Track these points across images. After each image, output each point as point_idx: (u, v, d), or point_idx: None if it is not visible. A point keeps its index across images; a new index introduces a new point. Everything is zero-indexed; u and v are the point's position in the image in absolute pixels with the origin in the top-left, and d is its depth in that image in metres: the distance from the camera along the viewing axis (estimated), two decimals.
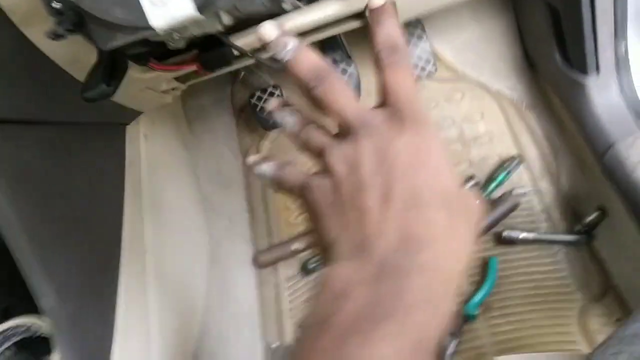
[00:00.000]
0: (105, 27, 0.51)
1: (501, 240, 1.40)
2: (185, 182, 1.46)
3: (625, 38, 1.13)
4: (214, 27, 0.62)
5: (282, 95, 1.51)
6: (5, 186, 0.74)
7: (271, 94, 1.50)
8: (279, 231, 1.58)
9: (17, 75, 0.77)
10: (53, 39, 0.54)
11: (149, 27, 0.49)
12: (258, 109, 1.50)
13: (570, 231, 1.38)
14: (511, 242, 1.39)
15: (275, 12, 0.83)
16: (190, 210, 1.43)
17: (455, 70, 1.60)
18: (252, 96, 1.51)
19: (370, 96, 1.57)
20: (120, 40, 0.52)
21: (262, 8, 0.58)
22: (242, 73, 1.67)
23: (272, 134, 1.64)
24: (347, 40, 1.51)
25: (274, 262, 1.55)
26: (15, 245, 0.75)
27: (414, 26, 1.46)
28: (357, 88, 1.46)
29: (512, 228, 1.39)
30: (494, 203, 1.43)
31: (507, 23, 1.55)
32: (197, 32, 0.63)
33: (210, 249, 1.42)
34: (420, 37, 1.47)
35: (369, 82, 1.59)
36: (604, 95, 1.18)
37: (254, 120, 1.59)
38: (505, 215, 1.41)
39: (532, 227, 1.42)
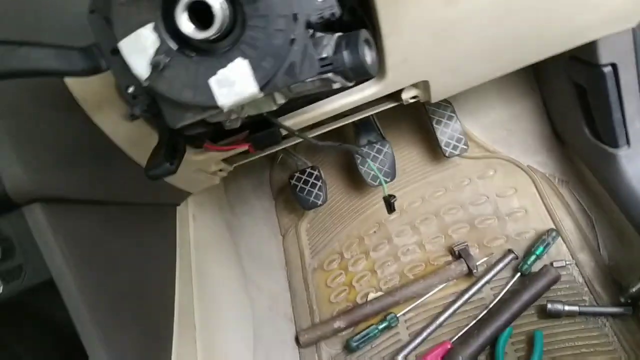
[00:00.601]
0: (176, 107, 0.57)
1: (545, 314, 1.38)
2: (229, 261, 1.50)
3: None
4: (269, 107, 0.68)
5: (321, 175, 1.57)
6: (68, 261, 0.79)
7: (310, 175, 1.57)
8: (320, 310, 1.59)
9: (82, 159, 0.85)
10: (131, 119, 0.61)
11: (216, 106, 0.55)
12: (298, 189, 1.56)
13: (614, 303, 1.36)
14: (556, 315, 1.37)
15: (323, 92, 0.90)
16: (235, 289, 1.46)
17: (487, 148, 1.65)
18: (291, 177, 1.58)
19: (405, 174, 1.62)
20: (189, 119, 0.58)
21: (312, 87, 0.64)
22: (281, 156, 1.75)
23: (311, 213, 1.69)
24: (381, 122, 1.58)
25: (316, 341, 1.56)
26: (77, 316, 0.79)
27: (445, 108, 1.53)
28: (392, 167, 1.52)
29: (555, 301, 1.37)
30: (534, 277, 1.43)
31: (533, 101, 1.61)
32: (252, 112, 0.69)
33: (253, 327, 1.43)
34: (451, 118, 1.53)
35: (403, 160, 1.64)
36: (636, 166, 1.21)
37: (293, 201, 1.65)
38: (546, 288, 1.41)
39: (575, 300, 1.40)
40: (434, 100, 1.07)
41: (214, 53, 0.54)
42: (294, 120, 0.93)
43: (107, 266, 0.89)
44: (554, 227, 1.50)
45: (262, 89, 0.54)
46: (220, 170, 1.15)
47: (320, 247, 1.68)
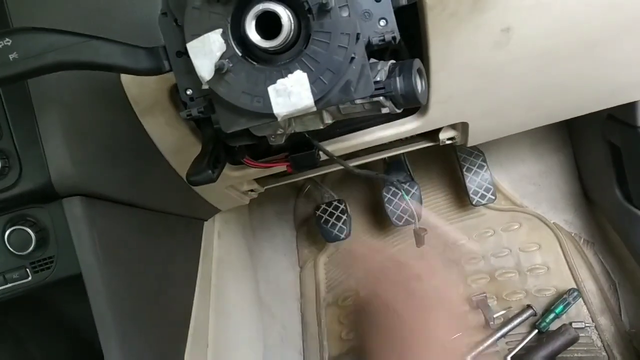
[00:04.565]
0: (231, 112, 0.59)
1: None
2: (247, 285, 1.50)
3: None
4: (316, 125, 0.70)
5: (346, 209, 1.57)
6: (98, 258, 0.80)
7: (336, 208, 1.57)
8: (330, 346, 1.57)
9: (126, 160, 0.87)
10: (187, 119, 0.63)
11: (271, 115, 0.56)
12: (322, 221, 1.56)
13: None
14: None
15: (371, 116, 0.92)
16: (250, 313, 1.46)
17: (514, 201, 1.65)
18: (317, 208, 1.59)
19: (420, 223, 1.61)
20: (242, 125, 0.60)
21: (362, 110, 0.65)
22: (308, 187, 1.76)
23: (331, 248, 1.69)
24: (411, 163, 1.59)
25: None
26: (99, 314, 0.80)
27: (477, 156, 1.54)
28: (418, 210, 1.52)
29: None
30: (551, 335, 1.40)
31: (565, 158, 1.61)
32: (299, 128, 0.71)
33: (264, 354, 1.42)
34: (481, 167, 1.54)
35: (429, 204, 1.65)
36: None
37: (314, 233, 1.66)
38: (563, 348, 1.38)
39: None
40: (470, 144, 1.08)
41: (274, 63, 0.56)
42: (332, 147, 0.94)
43: (133, 269, 0.90)
44: (575, 287, 1.48)
45: (316, 102, 0.56)
46: (252, 190, 1.17)
47: (337, 282, 1.67)
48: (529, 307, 1.48)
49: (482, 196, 1.54)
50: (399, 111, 0.65)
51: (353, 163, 1.14)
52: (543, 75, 0.86)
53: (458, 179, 1.63)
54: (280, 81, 0.55)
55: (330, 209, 1.58)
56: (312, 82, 0.55)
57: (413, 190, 1.52)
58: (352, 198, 1.74)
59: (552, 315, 1.43)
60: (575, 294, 1.45)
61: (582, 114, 1.03)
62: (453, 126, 1.03)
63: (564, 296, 1.45)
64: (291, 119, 0.70)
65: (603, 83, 0.93)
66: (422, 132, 0.99)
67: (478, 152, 1.55)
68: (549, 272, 1.53)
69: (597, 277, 1.49)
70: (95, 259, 0.79)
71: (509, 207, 1.64)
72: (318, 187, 1.74)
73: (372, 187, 1.73)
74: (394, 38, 0.57)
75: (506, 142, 1.61)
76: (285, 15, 0.53)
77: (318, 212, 1.58)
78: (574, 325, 1.42)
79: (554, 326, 1.43)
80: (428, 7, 0.72)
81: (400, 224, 1.51)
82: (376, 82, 0.59)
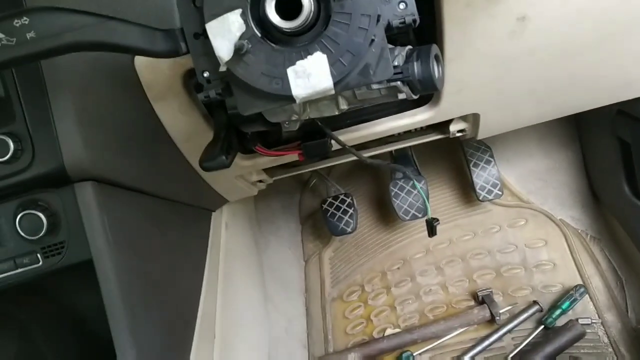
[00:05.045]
0: (249, 93, 0.58)
1: None
2: (253, 277, 1.50)
3: None
4: (331, 111, 0.69)
5: (353, 203, 1.57)
6: (109, 244, 0.79)
7: (342, 201, 1.57)
8: (335, 340, 1.57)
9: (138, 147, 0.87)
10: (205, 101, 0.62)
11: (289, 97, 0.56)
12: (329, 214, 1.56)
13: None
14: None
15: (383, 106, 0.91)
16: (255, 305, 1.45)
17: (520, 197, 1.64)
18: (324, 202, 1.58)
19: (435, 214, 1.61)
20: (259, 107, 0.59)
21: (378, 95, 0.65)
22: (314, 181, 1.76)
23: (336, 242, 1.69)
24: (418, 158, 1.59)
25: None
26: (109, 300, 0.79)
27: (484, 152, 1.54)
28: (425, 205, 1.52)
29: (578, 359, 1.34)
30: (557, 331, 1.40)
31: (573, 155, 1.61)
32: (314, 114, 0.71)
33: (269, 347, 1.42)
34: (488, 162, 1.53)
35: (435, 199, 1.64)
36: None
37: (320, 227, 1.65)
38: (570, 344, 1.38)
39: (598, 359, 1.37)
40: (480, 136, 1.08)
41: (294, 45, 0.55)
42: (343, 137, 0.94)
43: (143, 256, 0.89)
44: (582, 283, 1.47)
45: (335, 85, 0.55)
46: (260, 181, 1.17)
47: (342, 277, 1.67)
48: (535, 303, 1.47)
49: (489, 192, 1.53)
50: (415, 97, 0.65)
51: (362, 154, 1.13)
52: (557, 66, 0.86)
53: (465, 174, 1.62)
54: (299, 62, 0.55)
55: (337, 203, 1.57)
56: (332, 64, 0.54)
57: (420, 185, 1.52)
58: (359, 192, 1.74)
59: (558, 311, 1.43)
60: (582, 290, 1.45)
61: (594, 107, 1.03)
62: (464, 118, 1.02)
63: (571, 292, 1.45)
64: (306, 104, 0.70)
65: (616, 75, 0.93)
66: (434, 123, 0.99)
67: (485, 147, 1.54)
68: (556, 269, 1.53)
69: (603, 274, 1.49)
70: (106, 245, 0.79)
71: (516, 202, 1.64)
72: (324, 181, 1.74)
73: (378, 181, 1.73)
74: (414, 21, 0.56)
75: (513, 138, 1.61)
76: None
77: (325, 206, 1.58)
78: (580, 321, 1.42)
79: (560, 322, 1.43)
80: None
81: (407, 218, 1.50)
82: (394, 67, 0.59)
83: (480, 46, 0.80)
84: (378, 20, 0.54)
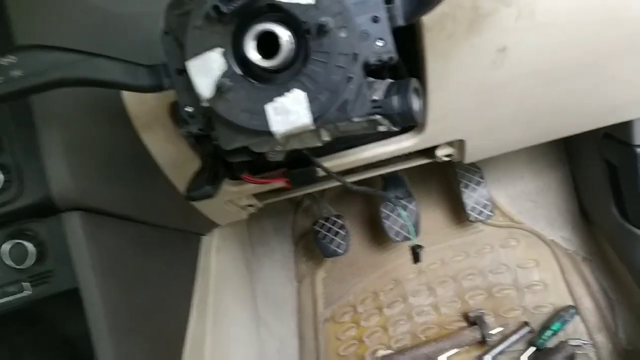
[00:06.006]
0: (230, 129, 0.59)
1: None
2: (244, 299, 1.50)
3: None
4: (314, 142, 0.70)
5: (344, 224, 1.58)
6: (95, 273, 0.80)
7: (334, 223, 1.58)
8: None
9: (125, 175, 0.88)
10: (186, 136, 0.63)
11: (269, 132, 0.57)
12: (320, 236, 1.56)
13: None
14: None
15: (368, 134, 0.93)
16: (247, 327, 1.45)
17: (511, 218, 1.65)
18: (315, 223, 1.59)
19: (427, 234, 1.62)
20: (240, 142, 0.60)
21: (359, 128, 0.66)
22: (306, 202, 1.77)
23: (329, 263, 1.69)
24: (409, 179, 1.60)
25: None
26: (95, 328, 0.80)
27: (474, 172, 1.55)
28: (417, 225, 1.52)
29: None
30: (548, 352, 1.41)
31: (563, 176, 1.62)
32: (297, 145, 0.72)
33: None
34: (479, 183, 1.54)
35: (427, 220, 1.65)
36: None
37: (312, 248, 1.66)
38: None
39: None
40: (467, 161, 1.09)
41: (274, 82, 0.57)
42: (330, 163, 0.95)
43: (130, 284, 0.90)
44: (572, 304, 1.48)
45: (315, 120, 0.57)
46: (250, 205, 1.17)
47: (335, 298, 1.67)
48: (526, 324, 1.48)
49: (480, 212, 1.54)
50: (396, 129, 0.66)
51: (351, 179, 1.14)
52: (540, 93, 0.87)
53: (456, 196, 1.63)
54: (278, 100, 0.56)
55: (328, 224, 1.58)
56: (311, 100, 0.56)
57: (410, 206, 1.53)
58: (351, 213, 1.74)
59: (549, 332, 1.44)
60: (573, 311, 1.46)
61: (579, 132, 1.04)
62: (450, 143, 1.04)
63: (561, 313, 1.46)
64: (289, 136, 0.71)
65: (599, 102, 0.94)
66: (420, 149, 1.00)
67: (475, 169, 1.56)
68: (547, 289, 1.54)
69: (594, 295, 1.49)
70: (92, 274, 0.80)
71: (507, 223, 1.65)
72: (316, 202, 1.75)
73: (370, 202, 1.74)
74: (390, 58, 0.58)
75: (504, 159, 1.62)
76: (284, 35, 0.54)
77: (316, 227, 1.58)
78: (570, 342, 1.42)
79: (551, 343, 1.44)
80: (426, 28, 0.74)
81: (399, 239, 1.51)
82: (374, 101, 0.60)
83: (462, 76, 0.81)
84: (356, 59, 0.55)
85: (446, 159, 1.09)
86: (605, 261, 1.51)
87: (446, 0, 0.59)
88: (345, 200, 1.77)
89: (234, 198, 1.09)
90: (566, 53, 0.81)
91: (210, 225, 1.23)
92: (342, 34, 0.54)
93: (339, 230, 1.57)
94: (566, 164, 1.61)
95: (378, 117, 0.62)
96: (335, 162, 0.96)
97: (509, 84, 0.84)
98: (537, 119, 0.97)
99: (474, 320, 1.50)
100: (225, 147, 0.61)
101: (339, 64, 0.55)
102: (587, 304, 1.49)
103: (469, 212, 1.53)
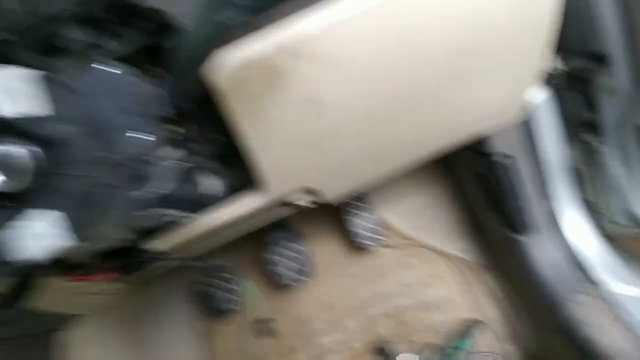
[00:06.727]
0: None
1: None
2: None
3: (552, 198, 1.17)
4: (120, 236, 0.62)
5: (232, 277, 1.49)
6: None
7: (222, 279, 1.49)
8: None
9: None
10: None
11: (8, 261, 0.48)
12: (207, 296, 1.47)
13: None
14: None
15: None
16: None
17: (408, 236, 1.62)
18: (199, 282, 1.49)
19: (327, 268, 1.56)
20: None
21: (152, 221, 0.59)
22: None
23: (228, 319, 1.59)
24: (297, 218, 1.52)
25: None
26: None
27: (357, 199, 1.51)
28: (309, 265, 1.46)
29: None
30: None
31: (449, 188, 1.60)
32: (102, 245, 0.63)
33: None
34: (364, 209, 1.51)
35: (323, 254, 1.59)
36: (541, 252, 1.20)
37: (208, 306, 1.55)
38: None
39: None
40: (332, 200, 1.03)
41: (18, 202, 0.48)
42: (170, 240, 0.86)
43: None
44: (479, 315, 1.46)
45: (80, 238, 0.49)
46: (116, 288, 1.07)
47: (239, 349, 1.57)
48: (434, 344, 1.44)
49: (370, 238, 1.50)
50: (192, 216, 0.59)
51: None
52: (368, 135, 0.84)
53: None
54: (22, 223, 0.47)
55: (216, 280, 1.49)
56: (65, 218, 0.47)
57: (300, 247, 1.46)
58: (244, 260, 1.62)
59: (458, 348, 1.41)
60: (480, 323, 1.44)
61: (436, 154, 1.01)
62: (303, 189, 0.98)
63: (469, 327, 1.44)
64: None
65: (437, 128, 0.92)
66: (275, 203, 0.93)
67: (359, 195, 1.51)
68: (453, 304, 1.52)
69: (499, 303, 1.48)
70: None
71: (404, 242, 1.61)
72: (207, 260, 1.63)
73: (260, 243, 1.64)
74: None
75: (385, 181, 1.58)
76: (20, 154, 0.46)
77: (201, 287, 1.48)
78: (481, 355, 1.40)
79: (462, 358, 1.41)
80: (226, 95, 0.68)
81: (294, 284, 1.45)
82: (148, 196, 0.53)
83: (283, 132, 0.76)
84: (101, 164, 0.48)
85: (311, 205, 1.03)
86: (504, 267, 1.50)
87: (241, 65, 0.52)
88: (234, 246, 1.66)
89: (82, 290, 0.98)
90: (386, 96, 0.78)
91: (64, 319, 1.10)
92: (90, 142, 0.47)
93: (227, 284, 1.48)
94: (449, 176, 1.60)
95: (159, 210, 0.55)
96: (175, 238, 0.87)
97: (338, 131, 0.80)
98: (384, 153, 0.92)
99: (384, 351, 1.46)
100: None
101: (93, 174, 0.47)
102: (493, 313, 1.48)
103: (357, 239, 1.49)
